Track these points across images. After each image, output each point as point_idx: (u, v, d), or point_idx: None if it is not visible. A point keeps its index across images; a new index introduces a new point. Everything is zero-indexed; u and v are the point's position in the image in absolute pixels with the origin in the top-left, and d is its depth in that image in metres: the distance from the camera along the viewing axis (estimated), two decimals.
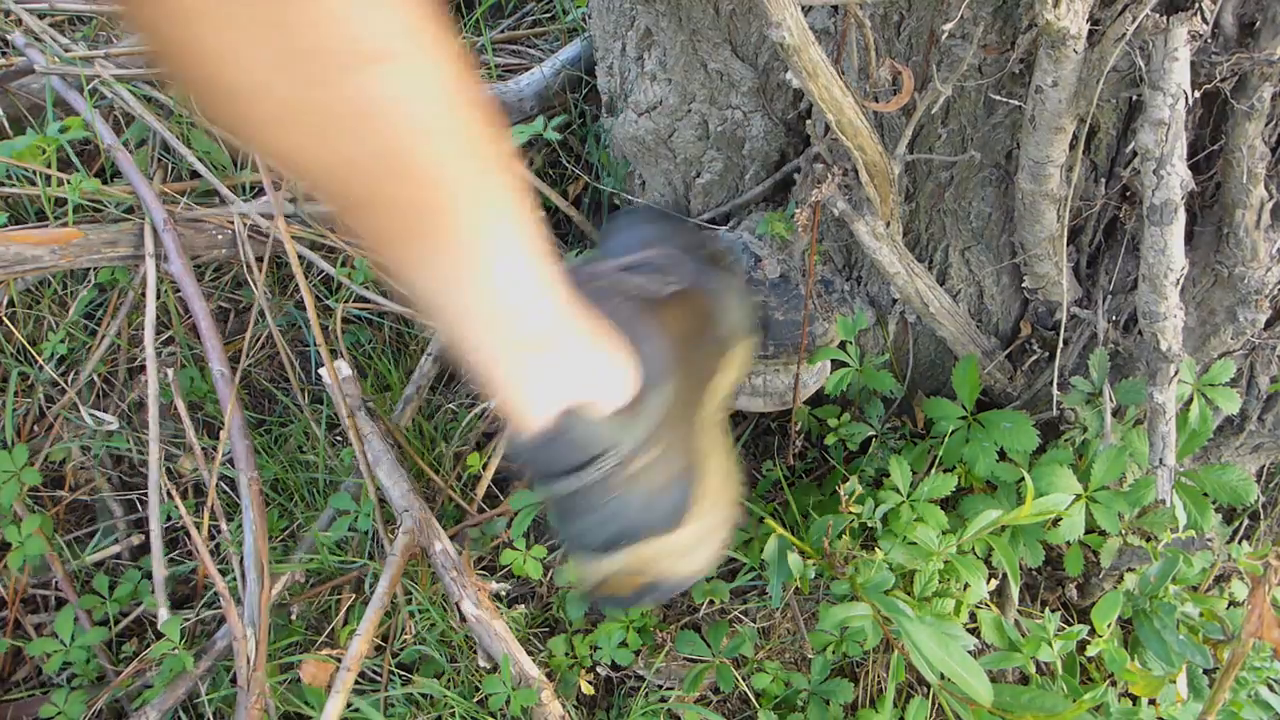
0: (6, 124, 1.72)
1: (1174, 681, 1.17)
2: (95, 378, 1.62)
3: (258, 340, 1.67)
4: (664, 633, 1.40)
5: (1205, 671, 1.22)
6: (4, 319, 1.59)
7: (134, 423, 1.63)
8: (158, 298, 1.58)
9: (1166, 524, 1.15)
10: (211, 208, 1.61)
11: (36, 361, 1.59)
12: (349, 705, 1.22)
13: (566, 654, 1.35)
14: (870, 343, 1.51)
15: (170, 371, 1.49)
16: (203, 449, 1.61)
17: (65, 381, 1.61)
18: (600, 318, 0.78)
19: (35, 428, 1.60)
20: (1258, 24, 0.95)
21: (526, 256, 0.67)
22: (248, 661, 1.24)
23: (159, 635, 1.37)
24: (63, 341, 1.61)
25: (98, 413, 1.58)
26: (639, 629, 1.36)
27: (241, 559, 1.35)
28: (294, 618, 1.38)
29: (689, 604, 1.42)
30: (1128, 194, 1.19)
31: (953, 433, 1.31)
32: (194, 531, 1.30)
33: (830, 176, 1.18)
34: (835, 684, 1.27)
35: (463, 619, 1.30)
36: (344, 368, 1.41)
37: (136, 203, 1.61)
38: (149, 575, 1.49)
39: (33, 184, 1.63)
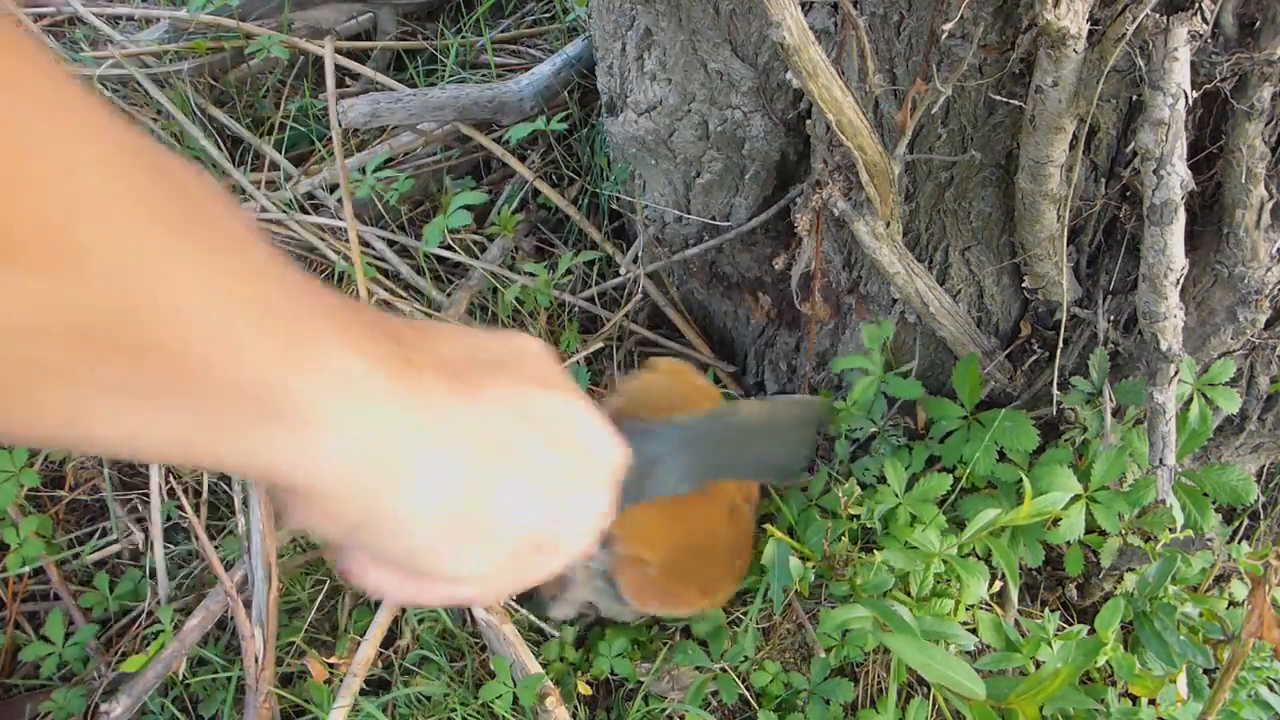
0: None
1: (1174, 681, 1.17)
2: None
3: None
4: (662, 641, 1.40)
5: (1205, 671, 1.22)
6: None
7: None
8: None
9: (1166, 524, 1.15)
10: None
11: None
12: (354, 707, 1.22)
13: (560, 659, 1.34)
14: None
15: None
16: None
17: None
18: None
19: None
20: (1258, 24, 0.95)
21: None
22: (255, 661, 1.23)
23: (160, 635, 1.37)
24: None
25: None
26: (638, 640, 1.35)
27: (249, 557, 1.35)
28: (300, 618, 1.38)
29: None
30: (1128, 194, 1.19)
31: (953, 432, 1.30)
32: (200, 531, 1.29)
33: (832, 181, 1.18)
34: (835, 684, 1.27)
35: (473, 622, 1.30)
36: None
37: None
38: (151, 574, 1.49)
39: None
